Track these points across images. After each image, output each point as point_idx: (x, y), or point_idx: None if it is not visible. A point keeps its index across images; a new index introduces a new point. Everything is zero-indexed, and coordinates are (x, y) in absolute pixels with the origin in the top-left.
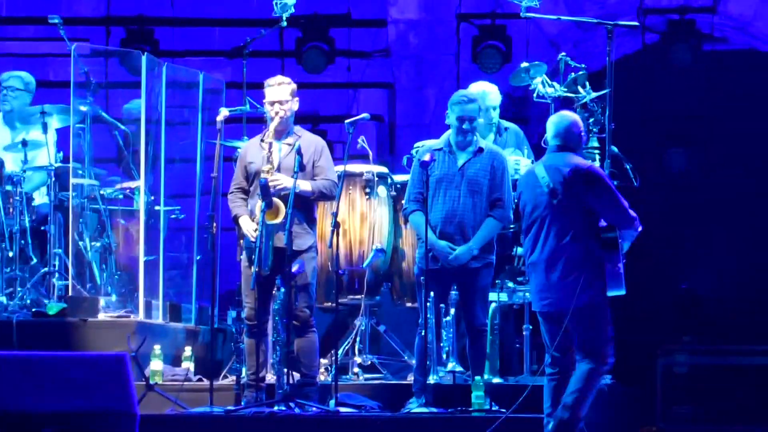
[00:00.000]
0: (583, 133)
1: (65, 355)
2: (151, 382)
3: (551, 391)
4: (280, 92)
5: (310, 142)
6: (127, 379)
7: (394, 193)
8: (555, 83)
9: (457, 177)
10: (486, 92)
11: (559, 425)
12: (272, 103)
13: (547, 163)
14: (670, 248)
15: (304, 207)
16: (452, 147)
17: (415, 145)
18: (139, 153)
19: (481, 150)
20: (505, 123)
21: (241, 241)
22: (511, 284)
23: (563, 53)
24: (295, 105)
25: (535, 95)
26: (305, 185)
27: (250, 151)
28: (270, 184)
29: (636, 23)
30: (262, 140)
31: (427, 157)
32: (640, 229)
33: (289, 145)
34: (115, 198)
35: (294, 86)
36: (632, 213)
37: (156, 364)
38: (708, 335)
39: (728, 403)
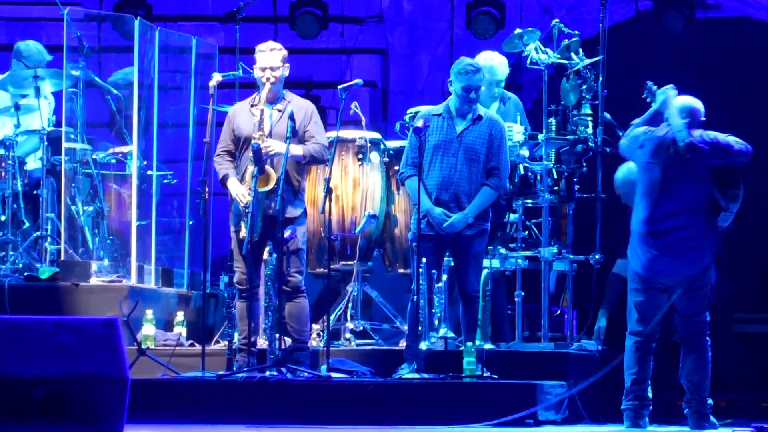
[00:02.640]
0: None
1: (55, 319)
2: (142, 346)
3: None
4: (271, 58)
5: (300, 107)
6: (118, 343)
7: (387, 159)
8: (548, 50)
9: (455, 144)
10: (494, 67)
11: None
12: (263, 69)
13: None
14: None
15: (295, 173)
16: (452, 113)
17: (408, 111)
18: (132, 118)
19: (479, 117)
20: (508, 93)
21: (233, 205)
22: (503, 251)
23: (556, 20)
24: (286, 71)
25: (528, 62)
26: (297, 149)
27: (239, 115)
28: (262, 149)
29: None
30: (252, 105)
31: (420, 123)
32: None
33: (280, 111)
34: (108, 163)
35: (285, 52)
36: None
37: (148, 329)
38: None
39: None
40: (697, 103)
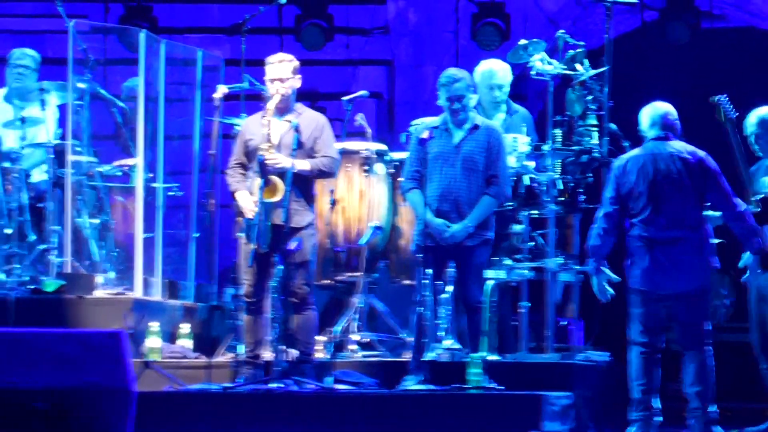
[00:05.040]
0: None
1: (61, 331)
2: (148, 359)
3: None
4: (280, 70)
5: (311, 119)
6: (123, 355)
7: (393, 171)
8: (553, 60)
9: (453, 154)
10: (493, 70)
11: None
12: (272, 81)
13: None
14: None
15: (302, 184)
16: (448, 125)
17: (413, 122)
18: (137, 130)
19: (477, 127)
20: (516, 106)
21: (239, 218)
22: (509, 262)
23: (562, 30)
24: (296, 82)
25: (533, 73)
26: (304, 164)
27: (251, 127)
28: (267, 162)
29: (635, 0)
30: (263, 117)
31: (425, 135)
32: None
33: (289, 122)
34: (113, 175)
35: (296, 63)
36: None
37: (153, 342)
38: None
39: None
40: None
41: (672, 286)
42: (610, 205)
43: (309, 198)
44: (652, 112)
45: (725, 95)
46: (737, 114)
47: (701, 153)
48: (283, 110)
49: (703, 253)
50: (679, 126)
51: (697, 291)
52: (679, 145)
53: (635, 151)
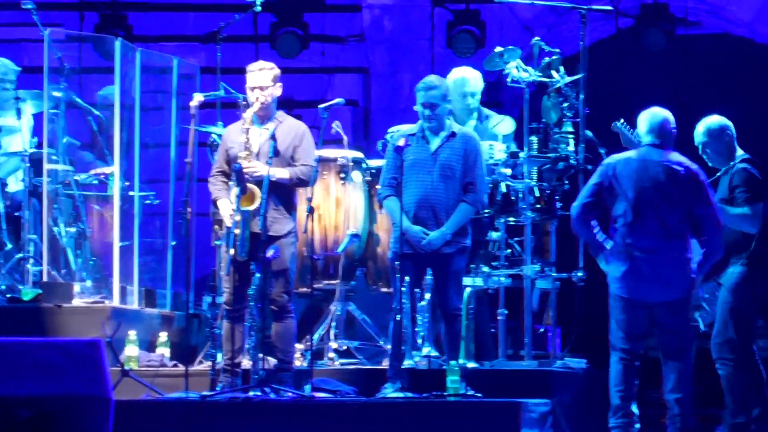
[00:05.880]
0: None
1: (39, 340)
2: (126, 367)
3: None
4: (261, 78)
5: (291, 127)
6: (101, 364)
7: (369, 178)
8: (529, 68)
9: (430, 162)
10: (465, 78)
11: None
12: (252, 89)
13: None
14: None
15: (283, 192)
16: (425, 132)
17: (390, 130)
18: (113, 138)
19: (453, 134)
20: (487, 111)
21: (216, 226)
22: (486, 269)
23: (537, 38)
24: (277, 90)
25: (509, 80)
26: (282, 173)
27: (231, 135)
28: (244, 170)
29: (610, 8)
30: (243, 125)
31: (401, 142)
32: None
33: (268, 130)
34: (90, 183)
35: (277, 72)
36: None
37: (131, 350)
38: None
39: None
40: (664, 114)
41: (652, 295)
42: (587, 196)
43: (289, 206)
44: (651, 118)
45: (622, 120)
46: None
47: (694, 166)
48: (263, 118)
49: (684, 264)
50: (675, 135)
51: (678, 302)
52: (672, 156)
53: (628, 154)
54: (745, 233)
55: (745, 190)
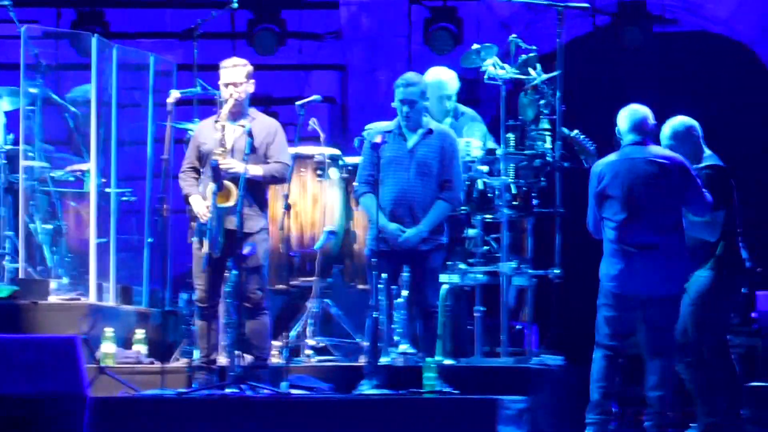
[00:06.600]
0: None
1: (15, 337)
2: (102, 364)
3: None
4: (234, 74)
5: (264, 124)
6: (77, 361)
7: (346, 175)
8: (506, 65)
9: (407, 159)
10: (442, 81)
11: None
12: (226, 85)
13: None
14: None
15: (255, 189)
16: (402, 129)
17: (367, 126)
18: (90, 135)
19: (430, 131)
20: (462, 108)
21: (193, 222)
22: (462, 266)
23: (514, 35)
24: (250, 87)
25: (486, 77)
26: (256, 170)
27: (203, 131)
28: (221, 167)
29: (586, 5)
30: (216, 121)
31: (378, 139)
32: None
33: (243, 127)
34: (66, 180)
35: (250, 68)
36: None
37: (107, 347)
38: None
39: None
40: (644, 111)
41: (648, 290)
42: (594, 215)
43: (261, 203)
44: (631, 115)
45: (577, 131)
46: (595, 146)
47: (679, 157)
48: (236, 115)
49: (681, 258)
50: (656, 130)
51: (672, 296)
52: (656, 150)
53: (611, 157)
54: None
55: None
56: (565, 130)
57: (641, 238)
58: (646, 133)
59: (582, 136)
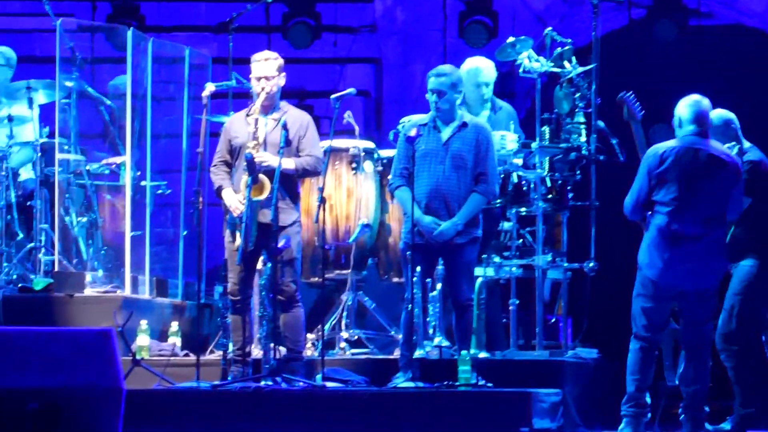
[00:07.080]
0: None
1: (50, 330)
2: (137, 357)
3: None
4: (266, 67)
5: (296, 117)
6: (113, 354)
7: (381, 168)
8: (541, 58)
9: (442, 152)
10: (479, 68)
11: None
12: (258, 79)
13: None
14: None
15: (287, 183)
16: (437, 122)
17: (401, 120)
18: (125, 128)
19: (465, 124)
20: (500, 102)
21: (227, 216)
22: (497, 259)
23: (549, 28)
24: (281, 80)
25: (521, 70)
26: (289, 163)
27: (235, 125)
28: (255, 160)
29: None
30: (248, 115)
31: (413, 132)
32: None
33: (275, 120)
34: (101, 173)
35: (281, 61)
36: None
37: (142, 339)
38: None
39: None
40: (706, 104)
41: (689, 282)
42: (640, 195)
43: (294, 196)
44: (695, 106)
45: (631, 93)
46: (643, 113)
47: (734, 155)
48: (268, 108)
49: (722, 253)
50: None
51: (711, 290)
52: (715, 144)
53: (672, 142)
54: (762, 228)
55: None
56: (623, 97)
57: (690, 228)
58: (707, 126)
59: (632, 100)
